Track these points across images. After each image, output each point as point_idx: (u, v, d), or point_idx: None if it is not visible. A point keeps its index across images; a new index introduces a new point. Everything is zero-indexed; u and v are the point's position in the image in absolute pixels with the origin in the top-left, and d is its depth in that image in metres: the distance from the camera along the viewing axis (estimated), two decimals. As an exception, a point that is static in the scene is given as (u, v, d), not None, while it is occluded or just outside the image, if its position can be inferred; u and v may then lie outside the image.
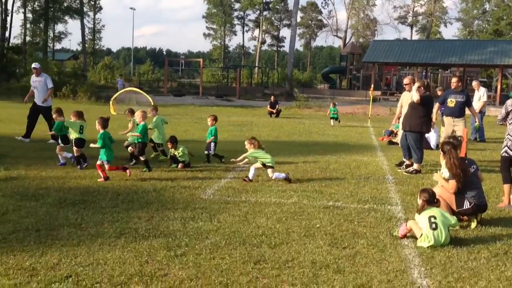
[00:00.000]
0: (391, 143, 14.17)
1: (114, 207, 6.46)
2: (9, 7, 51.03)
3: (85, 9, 66.46)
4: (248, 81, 54.96)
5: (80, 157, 9.03)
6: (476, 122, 11.83)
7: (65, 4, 60.22)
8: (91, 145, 8.38)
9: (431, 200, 5.55)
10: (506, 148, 7.25)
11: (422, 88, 9.48)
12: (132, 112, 10.24)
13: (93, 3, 70.23)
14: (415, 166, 9.58)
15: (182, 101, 34.04)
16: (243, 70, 53.77)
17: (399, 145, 10.68)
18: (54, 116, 10.02)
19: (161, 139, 10.23)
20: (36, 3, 59.25)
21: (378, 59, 46.36)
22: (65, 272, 4.28)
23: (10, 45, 52.31)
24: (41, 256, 4.63)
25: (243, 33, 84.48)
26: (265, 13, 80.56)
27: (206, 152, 10.12)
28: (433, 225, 5.28)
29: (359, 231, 5.74)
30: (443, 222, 5.32)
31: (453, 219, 5.53)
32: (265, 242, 5.24)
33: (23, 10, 58.14)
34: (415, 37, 79.50)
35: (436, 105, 10.74)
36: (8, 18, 50.89)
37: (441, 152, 6.58)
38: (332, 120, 19.97)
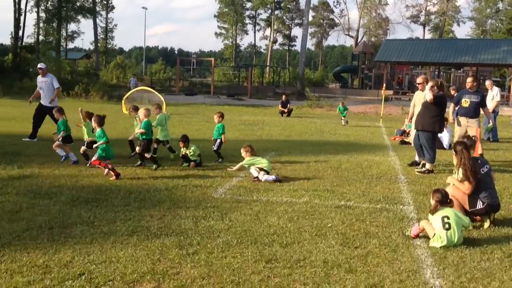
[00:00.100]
0: (403, 142, 14.10)
1: (126, 205, 6.50)
2: (22, 6, 51.53)
3: (97, 9, 67.08)
4: (259, 80, 55.02)
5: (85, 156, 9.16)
6: (489, 123, 11.71)
7: (78, 4, 60.79)
8: (95, 144, 8.39)
9: (444, 201, 5.51)
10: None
11: (436, 88, 9.43)
12: (136, 109, 10.29)
13: (105, 2, 70.93)
14: (428, 166, 9.52)
15: (193, 100, 34.16)
16: (254, 69, 53.82)
17: (411, 144, 10.61)
18: (55, 115, 10.12)
19: (164, 136, 10.28)
20: (49, 3, 59.79)
21: (390, 58, 46.16)
22: (78, 269, 4.31)
23: (23, 44, 52.85)
24: (54, 253, 4.67)
25: (254, 32, 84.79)
26: (276, 12, 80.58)
27: (214, 149, 10.17)
28: (447, 225, 5.24)
29: (371, 231, 5.72)
30: (457, 222, 5.29)
31: (466, 219, 5.50)
32: (277, 241, 5.24)
33: (36, 9, 58.78)
34: (428, 36, 79.04)
35: (451, 106, 10.64)
36: (22, 18, 51.42)
37: (454, 152, 6.54)
38: (343, 120, 19.95)
